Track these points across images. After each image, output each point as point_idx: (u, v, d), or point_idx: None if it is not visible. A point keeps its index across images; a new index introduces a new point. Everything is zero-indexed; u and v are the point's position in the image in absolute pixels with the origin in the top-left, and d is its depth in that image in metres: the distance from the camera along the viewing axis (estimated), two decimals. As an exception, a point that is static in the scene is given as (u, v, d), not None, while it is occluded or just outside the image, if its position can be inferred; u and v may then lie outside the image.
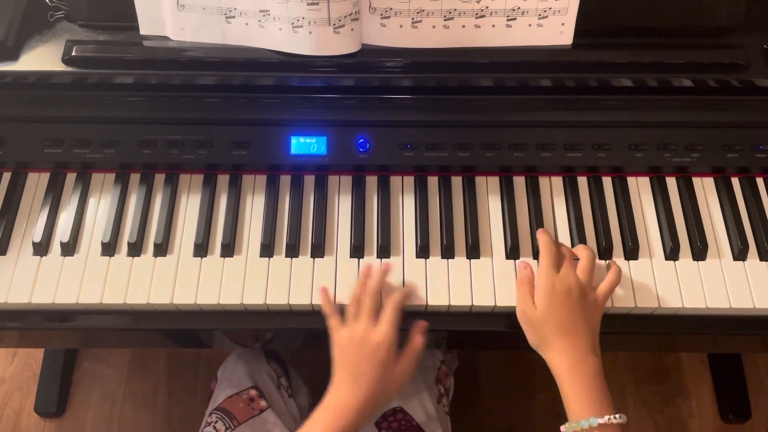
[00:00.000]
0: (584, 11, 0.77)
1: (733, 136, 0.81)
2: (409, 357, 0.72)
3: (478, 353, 1.41)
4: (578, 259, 0.74)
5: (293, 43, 0.76)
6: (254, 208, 0.81)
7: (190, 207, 0.81)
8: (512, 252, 0.78)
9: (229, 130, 0.81)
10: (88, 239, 0.79)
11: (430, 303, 0.75)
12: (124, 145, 0.80)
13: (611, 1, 0.78)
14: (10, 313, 0.77)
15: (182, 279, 0.76)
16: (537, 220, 0.80)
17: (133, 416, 1.35)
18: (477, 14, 0.76)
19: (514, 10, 0.76)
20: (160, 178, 0.82)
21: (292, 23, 0.74)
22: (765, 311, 0.76)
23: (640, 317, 0.77)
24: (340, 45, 0.76)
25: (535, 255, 0.78)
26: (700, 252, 0.78)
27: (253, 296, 0.75)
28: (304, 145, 0.81)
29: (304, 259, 0.78)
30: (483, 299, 0.75)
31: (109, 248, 0.78)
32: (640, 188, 0.83)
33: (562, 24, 0.77)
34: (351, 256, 0.78)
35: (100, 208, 0.81)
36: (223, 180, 0.82)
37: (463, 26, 0.77)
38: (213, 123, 0.81)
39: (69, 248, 0.78)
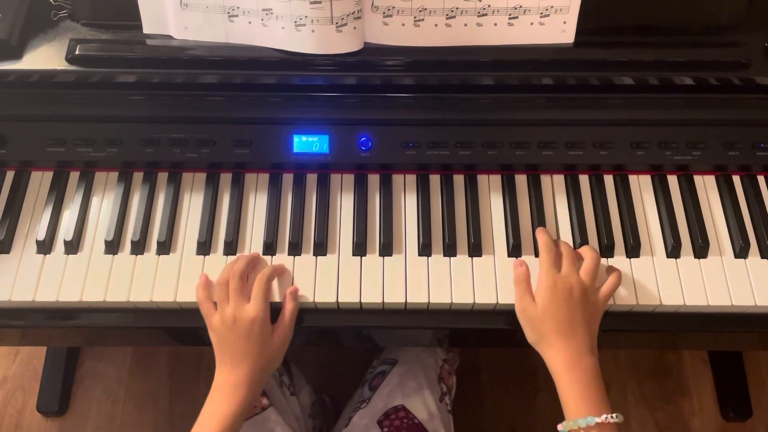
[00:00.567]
0: (586, 10, 0.77)
1: (735, 135, 0.81)
2: (284, 323, 0.73)
3: (480, 351, 1.42)
4: (582, 260, 0.74)
5: (296, 41, 0.76)
6: (257, 206, 0.81)
7: (193, 205, 0.81)
8: (514, 250, 0.78)
9: (232, 128, 0.81)
10: (92, 237, 0.79)
11: (432, 301, 0.75)
12: (127, 144, 0.80)
13: (613, -1, 0.79)
14: (14, 311, 0.77)
15: (185, 277, 0.77)
16: (539, 218, 0.80)
17: (136, 415, 1.35)
18: (479, 13, 0.76)
19: (516, 8, 0.76)
20: (163, 177, 0.83)
21: (295, 22, 0.74)
22: (766, 309, 0.76)
23: (642, 315, 0.77)
24: (343, 43, 0.76)
25: (537, 253, 0.78)
26: (701, 250, 0.78)
27: (256, 294, 0.76)
28: (307, 143, 0.81)
29: (307, 258, 0.78)
30: (485, 297, 0.76)
31: (112, 246, 0.78)
32: (642, 186, 0.83)
33: (564, 22, 0.78)
34: (353, 255, 0.78)
35: (104, 206, 0.81)
36: (225, 178, 0.83)
37: (465, 25, 0.77)
38: (216, 122, 0.81)
39: (72, 246, 0.78)
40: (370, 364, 1.03)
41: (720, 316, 0.77)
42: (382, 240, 0.78)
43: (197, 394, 1.37)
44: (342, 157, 0.81)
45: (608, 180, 0.83)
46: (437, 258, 0.78)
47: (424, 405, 0.90)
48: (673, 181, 0.83)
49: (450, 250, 0.78)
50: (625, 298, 0.76)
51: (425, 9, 0.76)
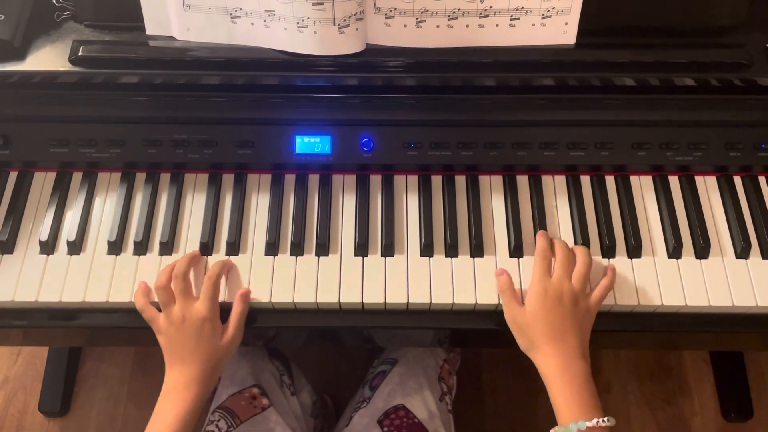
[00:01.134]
0: (587, 11, 0.77)
1: (736, 135, 0.81)
2: (231, 325, 0.74)
3: (481, 352, 1.42)
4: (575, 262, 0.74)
5: (298, 42, 0.76)
6: (259, 207, 0.81)
7: (195, 206, 0.81)
8: (515, 250, 0.78)
9: (234, 129, 0.81)
10: (95, 238, 0.79)
11: (434, 301, 0.76)
12: (130, 145, 0.81)
13: (614, 0, 0.79)
14: (17, 311, 0.77)
15: (188, 277, 0.77)
16: (540, 218, 0.80)
17: (137, 415, 1.36)
18: (481, 14, 0.77)
19: (517, 9, 0.76)
20: (165, 177, 0.83)
21: (297, 23, 0.74)
22: (767, 309, 0.76)
23: (643, 315, 0.78)
24: (345, 45, 0.76)
25: (539, 253, 0.78)
26: (702, 250, 0.78)
27: (258, 294, 0.76)
28: (309, 144, 0.81)
29: (309, 258, 0.78)
30: (486, 297, 0.76)
31: (115, 247, 0.78)
32: (643, 187, 0.83)
33: (566, 24, 0.78)
34: (355, 255, 0.78)
35: (106, 207, 0.81)
36: (228, 179, 0.83)
37: (467, 26, 0.77)
38: (218, 122, 0.81)
39: (75, 247, 0.78)
40: (371, 364, 1.03)
41: (721, 316, 0.77)
42: (383, 240, 0.79)
43: (199, 394, 1.37)
44: (344, 158, 0.81)
45: (609, 180, 0.83)
46: (439, 258, 0.78)
47: (424, 404, 0.90)
48: (674, 181, 0.83)
49: (451, 251, 0.78)
50: (626, 298, 0.76)
51: (427, 10, 0.76)
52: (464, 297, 0.76)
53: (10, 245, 0.79)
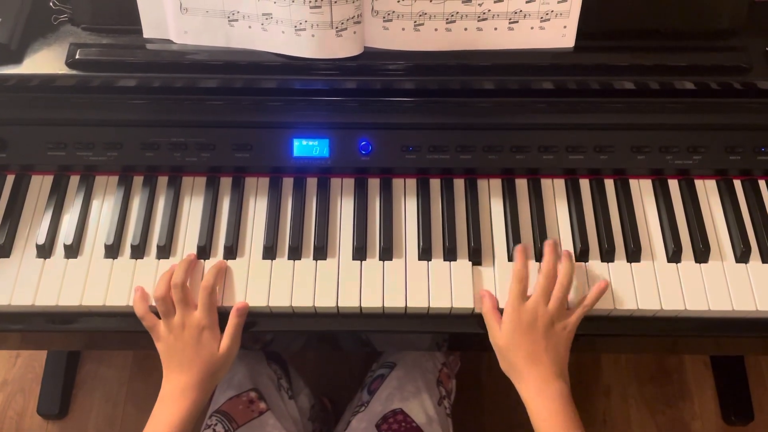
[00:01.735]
0: (586, 14, 0.77)
1: (735, 139, 0.81)
2: (228, 336, 0.74)
3: (480, 356, 1.41)
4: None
5: (296, 46, 0.76)
6: (257, 210, 0.81)
7: (192, 209, 0.81)
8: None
9: (232, 132, 0.81)
10: (92, 242, 0.79)
11: (432, 305, 0.75)
12: (127, 148, 0.81)
13: (613, 3, 0.78)
14: (14, 315, 0.77)
15: (185, 281, 0.76)
16: (539, 222, 0.80)
17: (136, 417, 1.35)
18: (479, 17, 0.76)
19: (516, 12, 0.76)
20: (163, 181, 0.83)
21: (295, 26, 0.74)
22: (767, 313, 0.76)
23: (643, 319, 0.77)
24: (343, 48, 0.76)
25: (538, 257, 0.78)
26: (702, 254, 0.78)
27: (256, 298, 0.76)
28: (307, 147, 0.81)
29: (307, 262, 0.78)
30: (485, 301, 0.75)
31: (112, 250, 0.78)
32: (643, 190, 0.83)
33: (564, 27, 0.77)
34: (353, 259, 0.78)
35: (103, 210, 0.81)
36: (225, 182, 0.83)
37: (465, 29, 0.77)
38: (216, 126, 0.81)
39: (72, 250, 0.78)
40: (369, 367, 1.03)
41: (721, 321, 0.77)
42: (382, 244, 0.78)
43: (197, 397, 1.36)
44: (342, 161, 0.81)
45: (609, 184, 0.83)
46: (437, 262, 0.78)
47: (422, 408, 0.89)
48: (673, 185, 0.83)
49: (450, 255, 0.78)
50: (625, 302, 0.76)
51: (425, 13, 0.76)
52: (462, 301, 0.75)
53: (7, 249, 0.78)
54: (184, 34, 0.78)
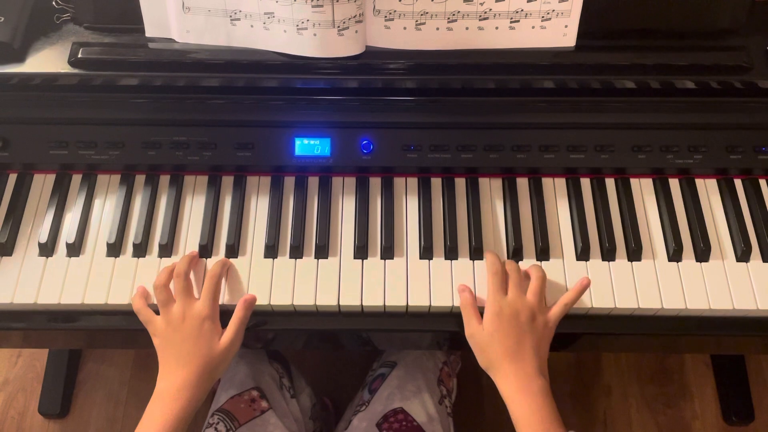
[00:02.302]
0: (587, 13, 0.77)
1: (736, 138, 0.81)
2: (231, 330, 0.72)
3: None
4: (529, 279, 0.74)
5: (298, 45, 0.76)
6: (258, 209, 0.81)
7: (194, 208, 0.81)
8: (515, 253, 0.78)
9: (234, 131, 0.81)
10: (94, 240, 0.79)
11: (433, 304, 0.75)
12: (130, 147, 0.81)
13: (614, 3, 0.79)
14: (16, 314, 0.77)
15: (187, 280, 0.76)
16: (540, 221, 0.80)
17: (137, 417, 1.32)
18: (480, 16, 0.77)
19: (517, 12, 0.76)
20: (165, 180, 0.83)
21: (297, 25, 0.74)
22: (768, 312, 0.76)
23: (643, 318, 0.77)
24: (344, 47, 0.76)
25: (539, 256, 0.78)
26: (703, 253, 0.78)
27: (258, 297, 0.76)
28: (308, 146, 0.81)
29: (308, 261, 0.78)
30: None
31: (114, 249, 0.78)
32: (643, 190, 0.83)
33: (565, 26, 0.78)
34: (355, 257, 0.78)
35: (106, 209, 0.81)
36: (227, 181, 0.83)
37: (467, 28, 0.77)
38: (217, 125, 0.81)
39: (75, 249, 0.78)
40: (370, 366, 1.03)
41: (722, 319, 0.77)
42: (383, 243, 0.78)
43: (199, 396, 1.37)
44: (343, 160, 0.81)
45: (610, 183, 0.83)
46: (438, 261, 0.78)
47: (423, 408, 0.89)
48: (674, 184, 0.83)
49: (451, 254, 0.78)
50: (626, 301, 0.76)
51: (427, 13, 0.76)
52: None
53: (10, 247, 0.79)
54: (186, 33, 0.79)
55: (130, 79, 0.79)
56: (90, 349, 1.42)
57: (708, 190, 0.83)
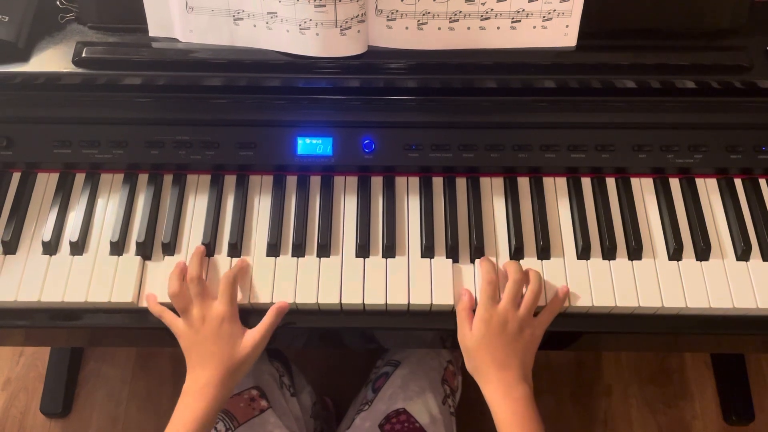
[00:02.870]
0: (588, 13, 0.77)
1: (736, 138, 0.82)
2: (259, 331, 0.74)
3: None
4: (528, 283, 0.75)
5: (300, 44, 0.77)
6: (261, 208, 0.82)
7: (197, 207, 0.82)
8: (516, 252, 0.79)
9: (236, 130, 0.81)
10: (97, 239, 0.80)
11: (435, 302, 0.76)
12: (133, 146, 0.81)
13: (615, 3, 0.79)
14: (19, 312, 0.78)
15: (190, 278, 0.77)
16: (541, 220, 0.80)
17: (138, 416, 1.36)
18: (482, 16, 0.77)
19: (518, 12, 0.77)
20: (168, 179, 0.83)
21: (300, 25, 0.75)
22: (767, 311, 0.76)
23: (644, 317, 0.78)
24: (347, 46, 0.77)
25: (540, 255, 0.79)
26: (703, 252, 0.79)
27: (260, 295, 0.76)
28: (310, 146, 0.81)
29: (310, 259, 0.78)
30: (488, 299, 0.76)
31: (117, 248, 0.79)
32: (644, 189, 0.83)
33: (566, 26, 0.78)
34: (357, 256, 0.78)
35: (109, 208, 0.82)
36: (230, 180, 0.83)
37: (468, 28, 0.78)
38: (220, 124, 0.82)
39: (78, 247, 0.79)
40: (374, 363, 1.03)
41: (722, 318, 0.77)
42: (384, 242, 0.79)
43: (200, 395, 1.37)
44: (345, 160, 0.82)
45: (610, 183, 0.84)
46: (440, 260, 0.78)
47: (426, 408, 0.90)
48: (675, 183, 0.83)
49: (452, 253, 0.79)
50: (627, 300, 0.76)
51: (428, 12, 0.76)
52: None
53: (13, 246, 0.79)
54: (189, 32, 0.79)
55: (134, 78, 0.80)
56: (91, 349, 1.42)
57: (708, 189, 0.83)
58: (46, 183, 0.83)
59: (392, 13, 0.76)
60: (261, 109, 0.82)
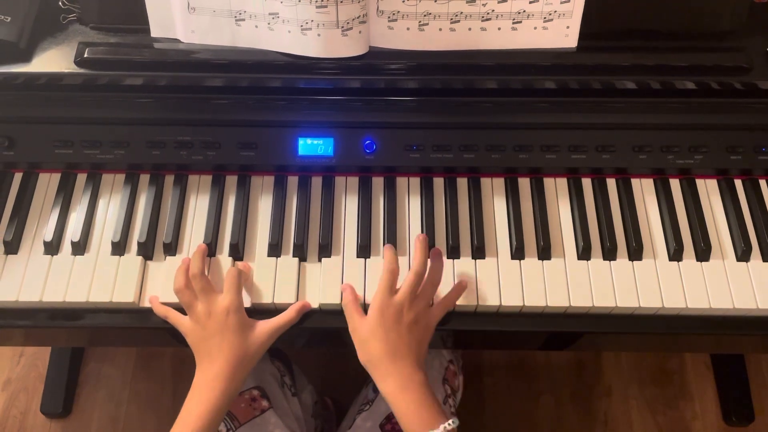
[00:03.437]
0: (589, 14, 0.77)
1: (736, 139, 0.82)
2: (275, 323, 0.74)
3: (482, 355, 1.42)
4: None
5: (302, 45, 0.77)
6: (262, 208, 0.82)
7: (199, 207, 0.82)
8: (517, 252, 0.79)
9: (238, 131, 0.82)
10: (99, 239, 0.80)
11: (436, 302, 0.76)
12: (134, 146, 0.81)
13: (615, 4, 0.79)
14: (20, 311, 0.78)
15: (191, 278, 0.77)
16: (542, 221, 0.80)
17: (139, 416, 1.36)
18: (483, 17, 0.77)
19: (519, 13, 0.77)
20: (169, 179, 0.83)
21: (301, 26, 0.75)
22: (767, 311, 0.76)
23: (644, 317, 0.78)
24: (348, 47, 0.77)
25: (540, 255, 0.79)
26: (703, 253, 0.79)
27: (262, 295, 0.76)
28: (312, 146, 0.82)
29: (312, 259, 0.79)
30: (488, 299, 0.76)
31: (119, 248, 0.79)
32: (644, 190, 0.83)
33: (567, 27, 0.78)
34: (358, 256, 0.79)
35: (110, 208, 0.82)
36: (231, 181, 0.83)
37: (469, 29, 0.78)
38: (221, 124, 0.82)
39: (80, 247, 0.79)
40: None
41: (722, 319, 0.78)
42: (385, 242, 0.79)
43: (200, 396, 1.37)
44: (346, 160, 0.82)
45: (611, 183, 0.84)
46: (441, 260, 0.78)
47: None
48: (675, 184, 0.84)
49: (453, 253, 0.79)
50: (627, 300, 0.76)
51: (430, 13, 0.77)
52: (466, 299, 0.76)
53: (15, 246, 0.79)
54: (191, 33, 0.79)
55: (135, 78, 0.80)
56: (92, 349, 1.42)
57: (708, 190, 0.83)
58: (47, 183, 0.83)
59: (393, 14, 0.77)
60: (262, 109, 0.82)
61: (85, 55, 0.78)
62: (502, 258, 0.79)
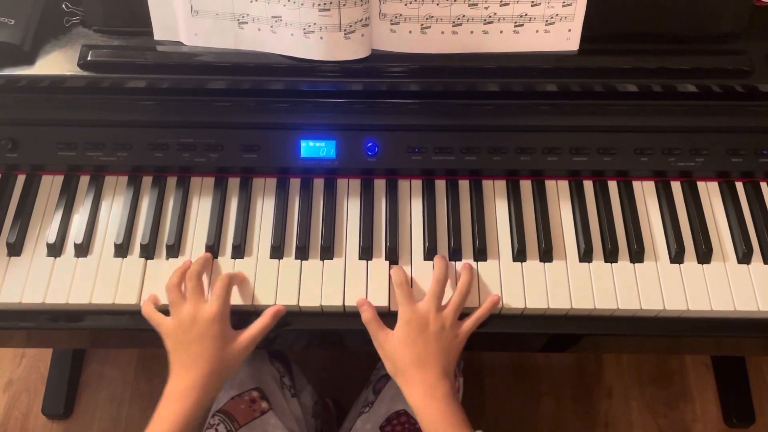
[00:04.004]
0: (590, 18, 0.78)
1: (738, 141, 0.82)
2: (252, 332, 0.73)
3: (483, 357, 1.42)
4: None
5: (304, 48, 0.77)
6: (264, 210, 0.82)
7: (201, 209, 0.82)
8: (519, 255, 0.79)
9: (240, 133, 0.82)
10: (101, 241, 0.80)
11: (437, 304, 0.76)
12: (137, 148, 0.82)
13: (617, 8, 0.79)
14: (23, 313, 0.78)
15: (194, 280, 0.77)
16: (543, 223, 0.81)
17: (140, 418, 1.36)
18: (485, 20, 0.77)
19: (521, 16, 0.77)
20: (171, 181, 0.84)
21: (304, 29, 0.75)
22: (769, 314, 0.77)
23: (645, 319, 0.78)
24: (351, 50, 0.77)
25: (542, 258, 0.79)
26: (704, 255, 0.79)
27: (263, 297, 0.77)
28: (314, 148, 0.82)
29: (314, 261, 0.79)
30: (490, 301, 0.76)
31: (121, 250, 0.79)
32: (646, 192, 0.84)
33: (569, 30, 0.79)
34: (360, 259, 0.79)
35: (113, 210, 0.82)
36: (233, 183, 0.83)
37: (472, 32, 0.78)
38: (224, 126, 0.82)
39: (82, 249, 0.79)
40: (374, 365, 1.04)
41: (723, 321, 0.78)
42: (388, 244, 0.79)
43: (202, 397, 1.37)
44: (348, 162, 0.82)
45: (612, 186, 0.84)
46: (443, 262, 0.78)
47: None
48: (676, 187, 0.84)
49: (455, 255, 0.79)
50: (628, 302, 0.76)
51: (432, 16, 0.77)
52: (468, 300, 0.76)
53: (18, 247, 0.79)
54: (194, 36, 0.79)
55: (138, 81, 0.80)
56: (93, 350, 1.42)
57: (709, 192, 0.84)
58: (50, 185, 0.84)
59: (396, 18, 0.77)
60: (265, 112, 0.82)
61: (89, 58, 0.78)
62: (503, 260, 0.79)
